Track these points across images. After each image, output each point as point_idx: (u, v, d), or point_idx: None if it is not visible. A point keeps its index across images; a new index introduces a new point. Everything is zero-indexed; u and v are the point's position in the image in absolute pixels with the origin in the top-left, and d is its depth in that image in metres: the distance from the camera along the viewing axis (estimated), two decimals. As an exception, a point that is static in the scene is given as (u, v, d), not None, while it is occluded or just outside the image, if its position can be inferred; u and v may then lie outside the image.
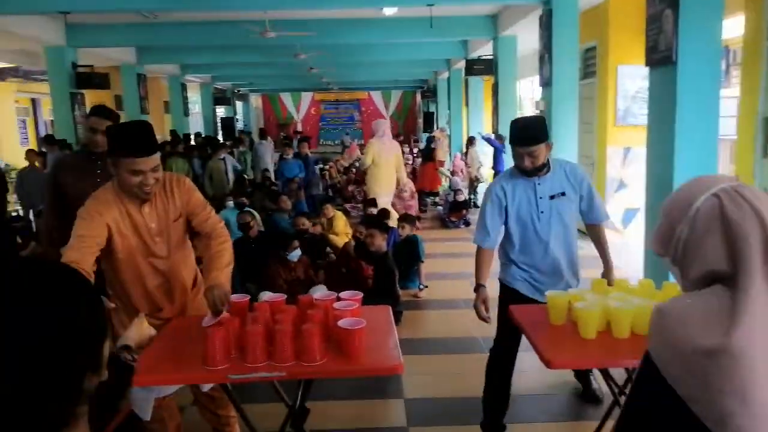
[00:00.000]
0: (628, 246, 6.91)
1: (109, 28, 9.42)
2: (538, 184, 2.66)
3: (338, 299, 2.33)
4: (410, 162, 14.15)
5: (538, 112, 7.50)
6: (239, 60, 13.07)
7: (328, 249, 5.90)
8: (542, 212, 2.66)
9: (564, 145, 6.94)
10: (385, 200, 6.97)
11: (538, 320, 2.38)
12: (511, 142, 2.66)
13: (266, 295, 2.38)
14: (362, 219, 5.65)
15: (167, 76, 14.94)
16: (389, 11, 8.61)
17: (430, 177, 11.23)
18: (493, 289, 2.77)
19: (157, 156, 2.23)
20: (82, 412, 0.75)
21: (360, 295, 2.36)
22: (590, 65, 7.62)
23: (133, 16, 8.97)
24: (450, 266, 6.26)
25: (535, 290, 2.76)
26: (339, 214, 7.10)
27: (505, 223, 2.74)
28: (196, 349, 2.04)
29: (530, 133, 2.56)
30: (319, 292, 4.26)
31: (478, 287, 2.73)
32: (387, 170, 6.97)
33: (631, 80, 7.03)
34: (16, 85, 15.97)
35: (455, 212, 8.93)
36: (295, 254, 4.84)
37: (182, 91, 15.34)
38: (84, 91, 10.02)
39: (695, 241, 1.04)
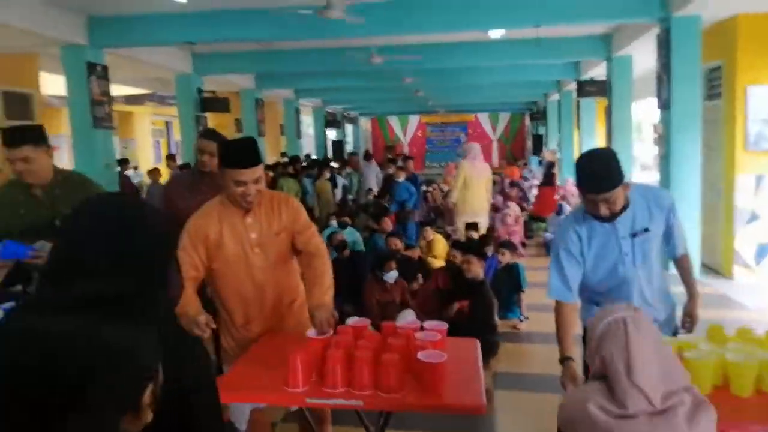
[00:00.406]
0: (761, 286, 6.20)
1: (231, 57, 10.15)
2: (618, 222, 2.25)
3: (422, 329, 2.27)
4: (514, 186, 13.73)
5: (655, 136, 6.99)
6: (349, 85, 13.53)
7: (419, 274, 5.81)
8: (626, 254, 2.28)
9: (685, 173, 6.40)
10: (476, 221, 7.09)
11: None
12: (580, 188, 2.20)
13: (351, 320, 2.37)
14: (453, 243, 5.49)
15: (283, 100, 15.79)
16: (495, 34, 8.50)
17: (547, 202, 10.68)
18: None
19: (260, 168, 2.36)
20: None
21: (445, 326, 2.28)
22: (715, 86, 6.99)
23: (253, 45, 9.61)
24: (553, 297, 5.96)
25: None
26: (438, 237, 7.03)
27: None
28: (282, 368, 2.06)
29: (603, 177, 2.10)
30: (409, 317, 4.23)
31: (565, 360, 2.21)
32: (477, 192, 7.13)
33: (763, 102, 6.35)
34: (152, 109, 17.67)
35: (562, 239, 8.51)
36: (392, 275, 4.79)
37: (296, 115, 16.12)
38: (207, 114, 10.87)
39: (591, 354, 1.61)
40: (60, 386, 0.68)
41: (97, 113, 7.78)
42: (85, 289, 0.78)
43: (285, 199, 2.53)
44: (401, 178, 9.34)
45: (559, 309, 2.34)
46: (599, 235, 2.28)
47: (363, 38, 8.36)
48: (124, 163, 11.28)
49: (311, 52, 10.19)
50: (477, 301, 4.38)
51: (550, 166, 11.52)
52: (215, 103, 10.66)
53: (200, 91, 10.50)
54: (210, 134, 3.41)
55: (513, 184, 12.96)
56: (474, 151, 7.24)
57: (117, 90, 12.86)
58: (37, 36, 6.90)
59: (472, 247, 5.24)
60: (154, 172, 10.39)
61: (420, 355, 1.97)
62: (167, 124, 20.49)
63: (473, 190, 7.11)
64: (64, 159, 12.53)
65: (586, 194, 2.17)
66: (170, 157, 12.00)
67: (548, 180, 11.09)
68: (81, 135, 7.76)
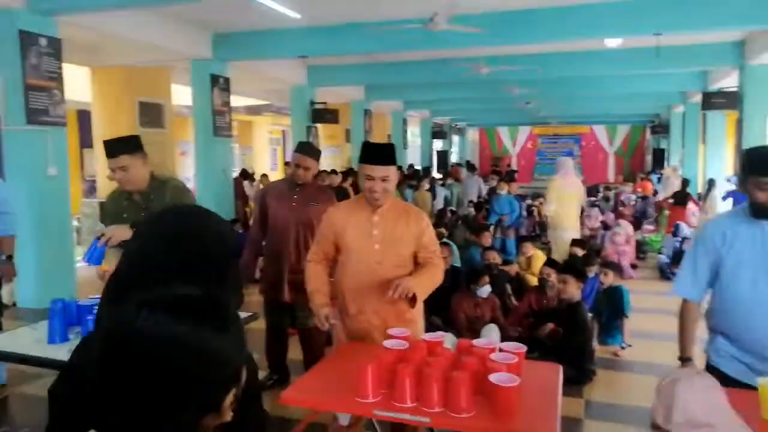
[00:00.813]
0: None
1: (342, 69, 10.52)
2: None
3: (500, 350, 2.19)
4: (634, 203, 12.93)
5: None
6: (456, 96, 13.50)
7: (508, 289, 5.62)
8: None
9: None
10: (565, 235, 7.25)
11: (750, 412, 1.90)
12: (755, 174, 2.04)
13: (427, 335, 2.34)
14: (547, 260, 5.25)
15: (391, 111, 16.09)
16: (612, 42, 8.09)
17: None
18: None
19: (389, 169, 2.51)
20: None
21: (523, 348, 2.19)
22: None
23: (363, 58, 9.89)
24: (662, 325, 5.48)
25: (753, 373, 2.12)
26: (539, 253, 6.77)
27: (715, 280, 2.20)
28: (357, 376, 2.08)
29: None
30: (493, 334, 4.11)
31: (684, 361, 2.20)
32: (568, 207, 7.28)
33: None
34: (270, 119, 18.73)
35: (679, 263, 7.86)
36: (485, 290, 4.68)
37: (403, 126, 16.35)
38: (318, 124, 11.34)
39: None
40: (154, 385, 0.73)
41: (218, 122, 8.39)
42: (175, 294, 0.82)
43: (417, 214, 2.66)
44: (504, 190, 9.13)
45: (683, 308, 2.29)
46: (745, 240, 2.12)
47: (473, 48, 8.32)
48: (246, 174, 12.08)
49: (419, 63, 10.31)
50: (571, 324, 4.16)
51: (686, 183, 10.64)
52: (325, 114, 11.09)
53: (312, 102, 10.99)
54: (305, 148, 3.56)
55: (644, 198, 12.20)
56: (566, 167, 7.45)
57: (239, 101, 13.83)
58: (169, 51, 7.60)
59: (575, 264, 4.99)
60: (263, 178, 11.21)
61: (492, 377, 1.90)
62: (284, 132, 21.62)
63: (564, 205, 7.28)
64: (190, 164, 13.61)
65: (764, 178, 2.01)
66: (288, 165, 12.73)
67: (682, 199, 10.07)
68: (203, 142, 8.41)
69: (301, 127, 11.01)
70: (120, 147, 2.78)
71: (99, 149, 9.06)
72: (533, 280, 6.05)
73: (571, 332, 4.09)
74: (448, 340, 2.44)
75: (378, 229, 2.59)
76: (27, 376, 3.80)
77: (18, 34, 5.43)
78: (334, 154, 15.52)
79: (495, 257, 5.65)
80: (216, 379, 0.77)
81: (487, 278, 4.75)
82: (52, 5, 5.54)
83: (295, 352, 3.93)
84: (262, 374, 3.96)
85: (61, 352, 2.51)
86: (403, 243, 2.59)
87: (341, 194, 7.72)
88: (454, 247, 6.54)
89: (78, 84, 8.81)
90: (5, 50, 5.46)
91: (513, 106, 16.22)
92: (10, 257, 3.67)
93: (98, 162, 9.23)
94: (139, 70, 8.80)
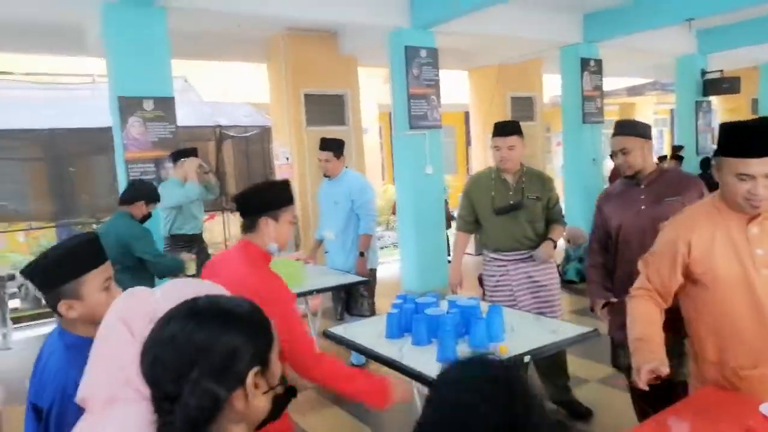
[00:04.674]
0: None
1: (742, 26, 8.57)
2: None
3: None
4: None
5: None
6: None
7: None
8: None
9: None
10: None
11: None
12: None
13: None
14: None
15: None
16: None
17: None
18: None
19: None
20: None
21: None
22: None
23: (772, 8, 7.84)
24: None
25: None
26: None
27: None
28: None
29: None
30: None
31: None
32: None
33: None
34: (655, 98, 16.92)
35: None
36: None
37: None
38: (712, 98, 9.60)
39: None
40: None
41: (587, 108, 7.94)
42: None
43: None
44: None
45: None
46: None
47: None
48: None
49: None
50: None
51: None
52: (721, 84, 9.28)
53: (703, 72, 9.35)
54: (618, 127, 2.62)
55: None
56: None
57: (619, 83, 12.86)
58: (540, 42, 7.54)
59: None
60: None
61: None
62: (672, 112, 19.29)
63: None
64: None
65: None
66: (675, 149, 10.52)
67: None
68: (570, 130, 8.09)
69: (689, 103, 9.50)
70: (513, 128, 3.21)
71: (476, 146, 9.74)
72: None
73: None
74: None
75: (762, 248, 1.79)
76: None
77: (404, 50, 6.19)
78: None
79: None
80: None
81: None
82: (431, 19, 6.10)
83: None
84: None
85: (391, 348, 2.41)
86: None
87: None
88: None
89: (462, 87, 9.61)
90: (395, 65, 6.30)
91: None
92: (362, 254, 4.04)
93: (476, 158, 9.93)
94: (510, 66, 9.03)
